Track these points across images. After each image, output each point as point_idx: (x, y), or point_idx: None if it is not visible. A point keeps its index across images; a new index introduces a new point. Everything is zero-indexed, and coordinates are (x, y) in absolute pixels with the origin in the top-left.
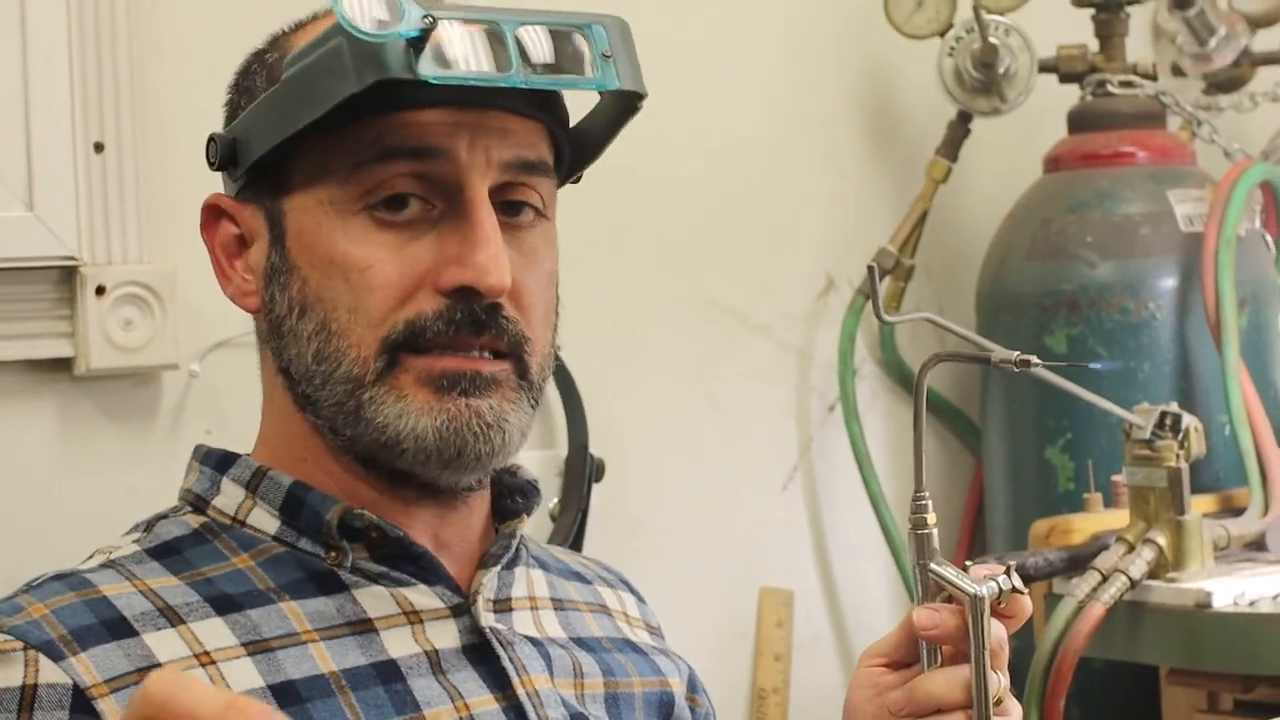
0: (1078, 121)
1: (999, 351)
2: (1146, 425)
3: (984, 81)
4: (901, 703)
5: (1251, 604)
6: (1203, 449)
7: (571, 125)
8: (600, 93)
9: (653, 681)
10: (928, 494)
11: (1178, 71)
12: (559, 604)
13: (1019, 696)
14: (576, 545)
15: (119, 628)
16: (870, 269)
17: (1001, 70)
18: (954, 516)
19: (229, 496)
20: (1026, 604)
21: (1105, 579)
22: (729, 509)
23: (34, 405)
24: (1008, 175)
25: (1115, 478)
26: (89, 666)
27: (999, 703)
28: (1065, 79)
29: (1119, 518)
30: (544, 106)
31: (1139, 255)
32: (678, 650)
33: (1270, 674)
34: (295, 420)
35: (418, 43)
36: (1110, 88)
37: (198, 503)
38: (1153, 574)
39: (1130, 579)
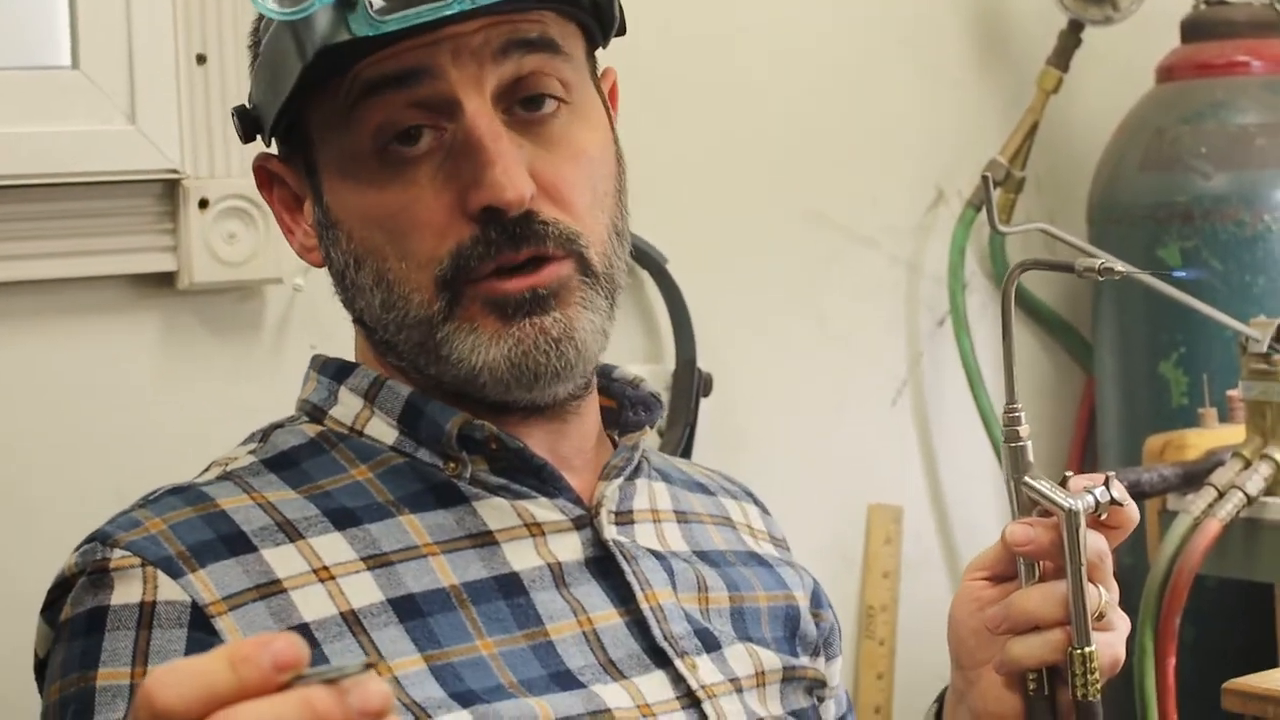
0: (1191, 30)
1: (1081, 260)
2: (1264, 339)
3: None
4: (998, 619)
5: None
6: None
7: None
8: None
9: (777, 595)
10: (1021, 405)
11: None
12: (682, 516)
13: (1133, 615)
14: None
15: (237, 543)
16: (985, 179)
17: None
18: (1065, 432)
19: (346, 406)
20: (1131, 514)
21: (1221, 495)
22: (837, 424)
23: (137, 320)
24: (1120, 85)
25: (1231, 392)
26: (207, 584)
27: (1101, 617)
28: None
29: (1235, 433)
30: None
31: (1255, 166)
32: None
33: None
34: (382, 359)
35: (348, 2)
36: None
37: (314, 412)
38: (1270, 490)
39: (1247, 495)
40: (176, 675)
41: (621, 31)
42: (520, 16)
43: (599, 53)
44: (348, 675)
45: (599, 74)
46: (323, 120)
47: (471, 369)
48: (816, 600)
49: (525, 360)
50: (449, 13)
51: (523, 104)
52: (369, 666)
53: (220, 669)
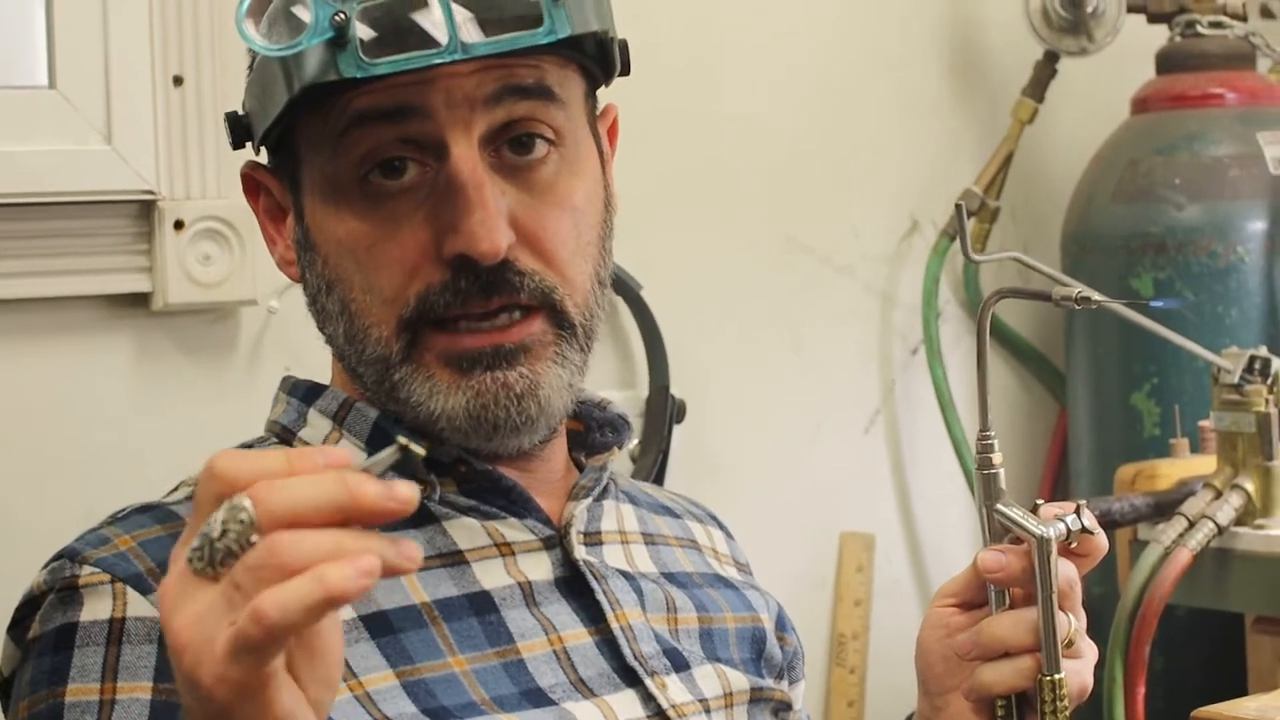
0: (1166, 62)
1: (1058, 289)
2: (1235, 370)
3: (1072, 21)
4: (968, 646)
5: None
6: None
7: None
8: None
9: (744, 617)
10: (994, 433)
11: (1267, 13)
12: (649, 539)
13: (1103, 644)
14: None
15: None
16: (958, 207)
17: (1090, 9)
18: (1037, 462)
19: (315, 428)
20: (1101, 543)
21: (1192, 525)
22: (810, 452)
23: (111, 340)
24: (1095, 116)
25: (1202, 423)
26: None
27: (1070, 644)
28: (1154, 19)
29: (1206, 463)
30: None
31: (1228, 198)
32: None
33: None
34: (352, 383)
35: (339, 39)
36: (1199, 28)
37: (284, 434)
38: (1240, 520)
39: (1217, 525)
40: (237, 452)
41: (625, 72)
42: (517, 61)
43: None
44: (383, 462)
45: (599, 112)
46: (310, 140)
47: (430, 413)
48: (781, 624)
49: (484, 413)
50: (439, 61)
51: (512, 147)
52: (403, 449)
53: (276, 455)
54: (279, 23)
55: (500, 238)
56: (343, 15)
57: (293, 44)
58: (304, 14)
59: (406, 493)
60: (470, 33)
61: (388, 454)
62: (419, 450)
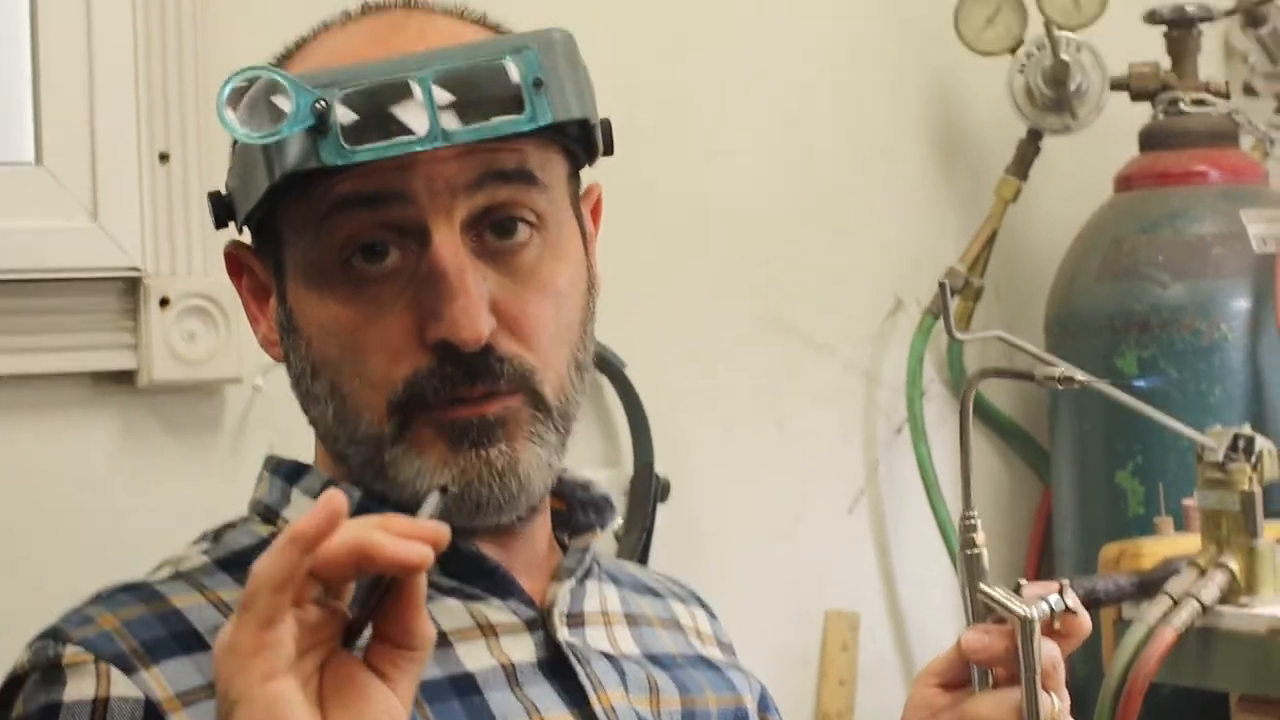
0: (1149, 140)
1: (1041, 368)
2: (1219, 448)
3: (1055, 99)
4: None
5: None
6: (1276, 472)
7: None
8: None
9: (727, 699)
10: (976, 514)
11: (1250, 90)
12: (632, 619)
13: None
14: (641, 565)
15: (191, 641)
16: (942, 285)
17: (1073, 88)
18: (1021, 541)
19: (299, 508)
20: (1084, 623)
21: (1176, 604)
22: (795, 531)
23: (97, 417)
24: (1078, 194)
25: (1186, 501)
26: (161, 680)
27: None
28: (1137, 97)
29: (1190, 542)
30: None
31: (1211, 276)
32: None
33: None
34: (336, 465)
35: (320, 127)
36: (1182, 106)
37: (267, 513)
38: (1225, 599)
39: (1202, 604)
40: None
41: (609, 151)
42: (498, 146)
43: None
44: (429, 509)
45: (581, 192)
46: (292, 224)
47: (415, 493)
48: (764, 704)
49: (468, 491)
50: (421, 149)
51: (494, 231)
52: (444, 490)
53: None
54: (259, 110)
55: (482, 324)
56: (324, 103)
57: (274, 132)
58: (285, 103)
59: (433, 533)
60: (451, 119)
61: (433, 501)
62: (454, 489)
